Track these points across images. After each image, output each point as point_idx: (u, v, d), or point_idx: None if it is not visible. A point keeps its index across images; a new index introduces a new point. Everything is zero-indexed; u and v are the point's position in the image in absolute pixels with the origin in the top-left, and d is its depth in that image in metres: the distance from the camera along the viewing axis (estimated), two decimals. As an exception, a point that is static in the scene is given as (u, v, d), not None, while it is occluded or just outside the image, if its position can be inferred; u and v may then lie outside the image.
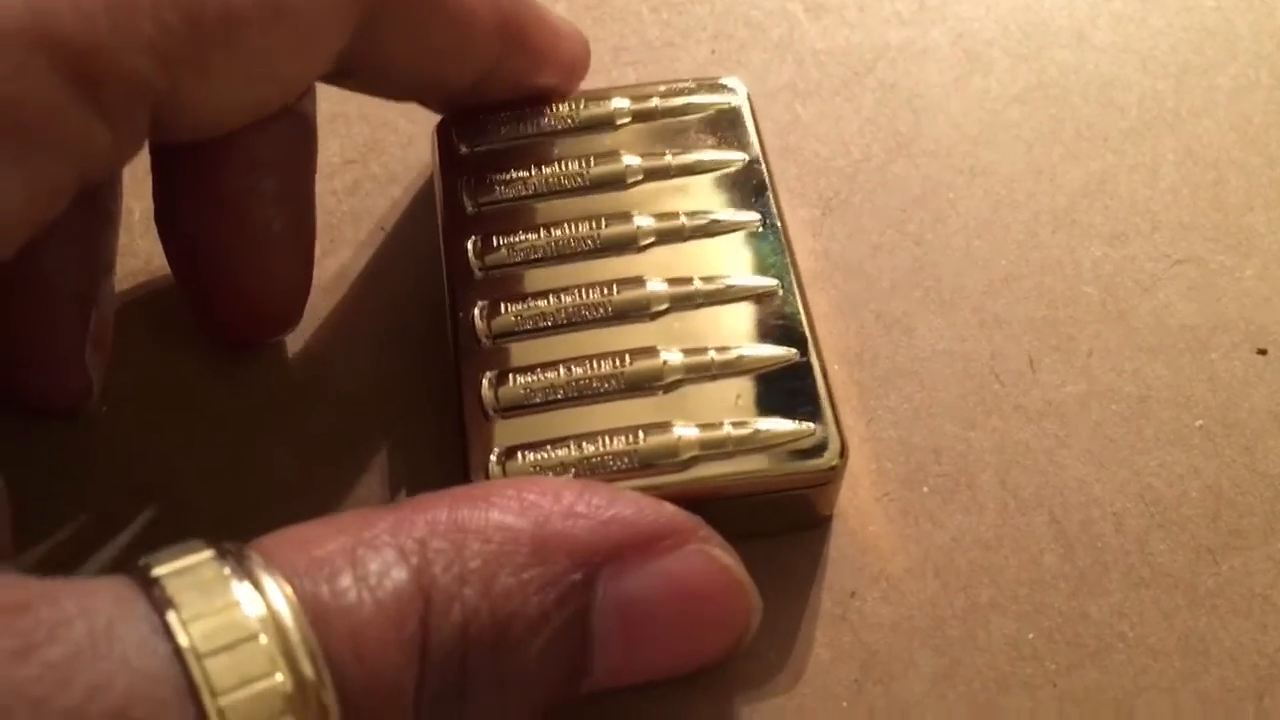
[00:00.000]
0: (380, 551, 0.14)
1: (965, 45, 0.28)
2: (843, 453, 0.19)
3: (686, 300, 0.21)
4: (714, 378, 0.20)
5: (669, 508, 0.17)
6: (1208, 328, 0.23)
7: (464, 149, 0.23)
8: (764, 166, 0.23)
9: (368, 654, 0.13)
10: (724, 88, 0.24)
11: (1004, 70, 0.27)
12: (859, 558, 0.21)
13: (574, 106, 0.23)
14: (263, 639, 0.13)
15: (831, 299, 0.24)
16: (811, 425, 0.19)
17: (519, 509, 0.15)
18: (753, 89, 0.24)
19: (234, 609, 0.13)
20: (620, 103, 0.23)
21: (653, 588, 0.16)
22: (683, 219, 0.22)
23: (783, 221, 0.22)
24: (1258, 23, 0.28)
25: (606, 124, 0.23)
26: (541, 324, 0.20)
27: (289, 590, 0.13)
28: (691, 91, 0.24)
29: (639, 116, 0.23)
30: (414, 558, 0.14)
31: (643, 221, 0.22)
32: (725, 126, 0.23)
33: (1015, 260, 0.24)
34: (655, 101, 0.23)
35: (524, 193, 0.22)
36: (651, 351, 0.20)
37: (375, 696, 0.14)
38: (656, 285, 0.21)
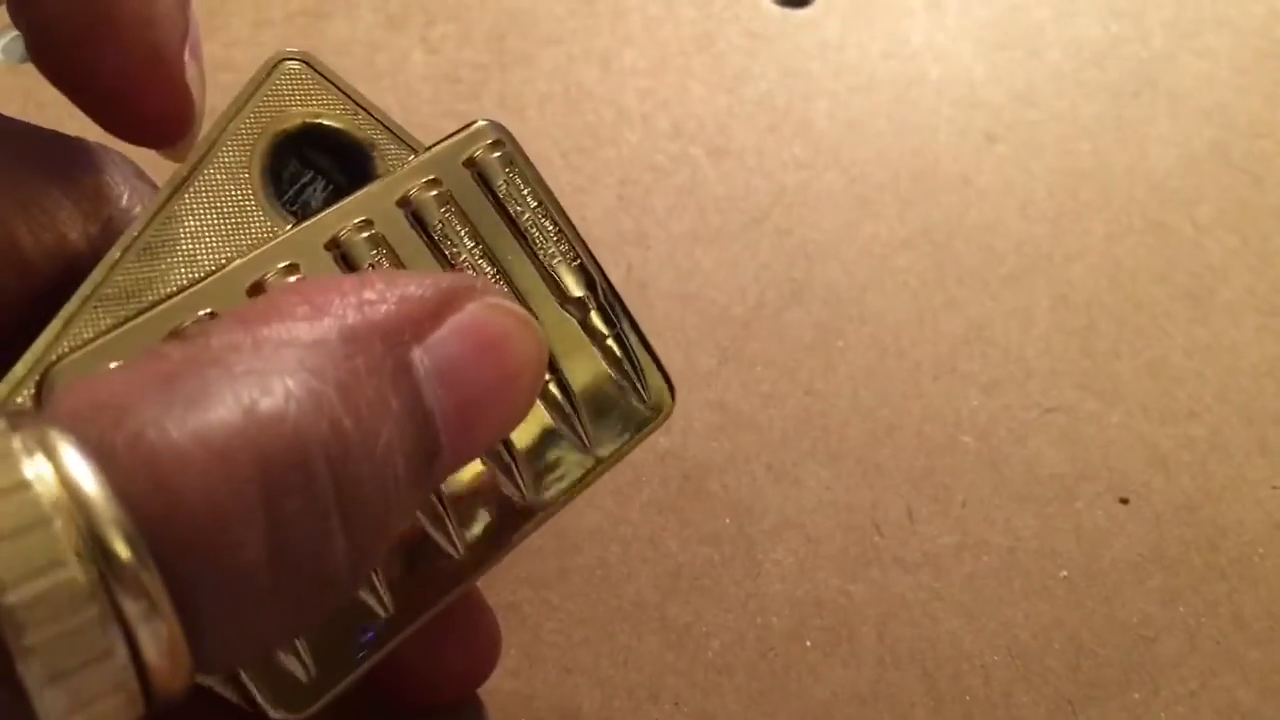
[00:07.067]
0: (183, 382, 0.13)
1: (857, 190, 0.29)
2: None
3: None
4: None
5: (444, 275, 0.17)
6: (1074, 476, 0.25)
7: None
8: None
9: (186, 506, 0.12)
10: None
11: (893, 215, 0.29)
12: (743, 714, 0.22)
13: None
14: (57, 523, 0.11)
15: (725, 451, 0.25)
16: None
17: (314, 312, 0.15)
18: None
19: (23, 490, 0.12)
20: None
21: (457, 345, 0.16)
22: None
23: None
24: (1132, 166, 0.30)
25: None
26: None
27: (86, 461, 0.12)
28: None
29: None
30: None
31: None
32: None
33: (898, 409, 0.26)
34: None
35: None
36: None
37: (207, 554, 0.12)
38: None
